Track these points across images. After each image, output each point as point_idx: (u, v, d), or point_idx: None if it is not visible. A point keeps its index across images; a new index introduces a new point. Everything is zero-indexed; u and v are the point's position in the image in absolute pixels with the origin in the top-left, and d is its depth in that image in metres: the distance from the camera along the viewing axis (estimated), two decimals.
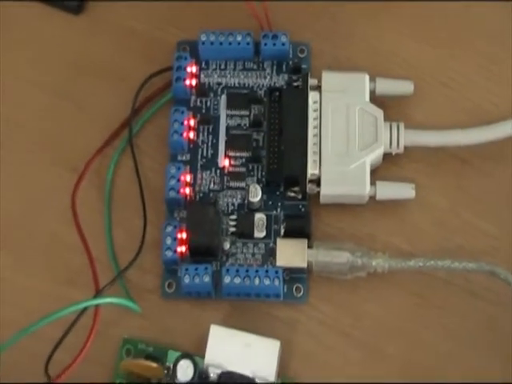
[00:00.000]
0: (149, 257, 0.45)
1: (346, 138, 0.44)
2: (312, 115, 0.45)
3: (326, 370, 0.43)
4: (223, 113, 0.47)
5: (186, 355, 0.41)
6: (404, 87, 0.46)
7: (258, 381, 0.41)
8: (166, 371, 0.43)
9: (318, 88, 0.45)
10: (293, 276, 0.44)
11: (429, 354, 0.43)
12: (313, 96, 0.45)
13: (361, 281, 0.44)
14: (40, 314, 0.39)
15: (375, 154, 0.44)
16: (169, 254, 0.44)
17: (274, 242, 0.44)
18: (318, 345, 0.43)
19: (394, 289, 0.44)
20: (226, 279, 0.43)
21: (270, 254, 0.44)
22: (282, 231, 0.44)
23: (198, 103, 0.47)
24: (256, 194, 0.44)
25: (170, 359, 0.43)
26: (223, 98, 0.47)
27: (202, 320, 0.44)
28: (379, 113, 0.45)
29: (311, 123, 0.45)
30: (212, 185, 0.46)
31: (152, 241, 0.45)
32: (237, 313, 0.44)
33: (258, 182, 0.45)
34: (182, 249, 0.44)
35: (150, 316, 0.44)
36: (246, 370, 0.41)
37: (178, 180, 0.45)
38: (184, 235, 0.44)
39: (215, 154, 0.46)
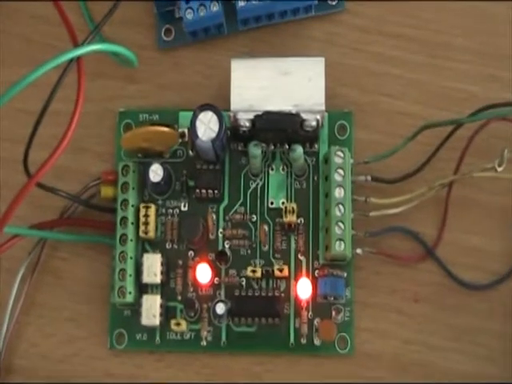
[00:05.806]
0: (134, 8, 0.35)
1: None
2: None
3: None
4: None
5: (204, 106, 0.32)
6: None
7: (304, 116, 0.32)
8: (180, 138, 0.34)
9: None
10: None
11: None
12: None
13: None
14: None
15: None
16: None
17: None
18: (365, 59, 0.34)
19: None
20: (241, 2, 0.33)
21: None
22: None
23: None
24: None
25: (182, 123, 0.34)
26: None
27: (218, 63, 0.34)
28: None
29: None
30: None
31: None
32: (260, 44, 0.35)
33: None
34: None
35: (148, 78, 0.35)
36: (287, 105, 0.32)
37: None
38: None
39: None
